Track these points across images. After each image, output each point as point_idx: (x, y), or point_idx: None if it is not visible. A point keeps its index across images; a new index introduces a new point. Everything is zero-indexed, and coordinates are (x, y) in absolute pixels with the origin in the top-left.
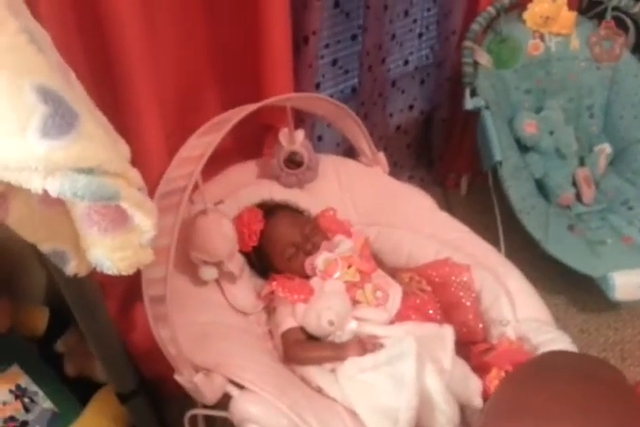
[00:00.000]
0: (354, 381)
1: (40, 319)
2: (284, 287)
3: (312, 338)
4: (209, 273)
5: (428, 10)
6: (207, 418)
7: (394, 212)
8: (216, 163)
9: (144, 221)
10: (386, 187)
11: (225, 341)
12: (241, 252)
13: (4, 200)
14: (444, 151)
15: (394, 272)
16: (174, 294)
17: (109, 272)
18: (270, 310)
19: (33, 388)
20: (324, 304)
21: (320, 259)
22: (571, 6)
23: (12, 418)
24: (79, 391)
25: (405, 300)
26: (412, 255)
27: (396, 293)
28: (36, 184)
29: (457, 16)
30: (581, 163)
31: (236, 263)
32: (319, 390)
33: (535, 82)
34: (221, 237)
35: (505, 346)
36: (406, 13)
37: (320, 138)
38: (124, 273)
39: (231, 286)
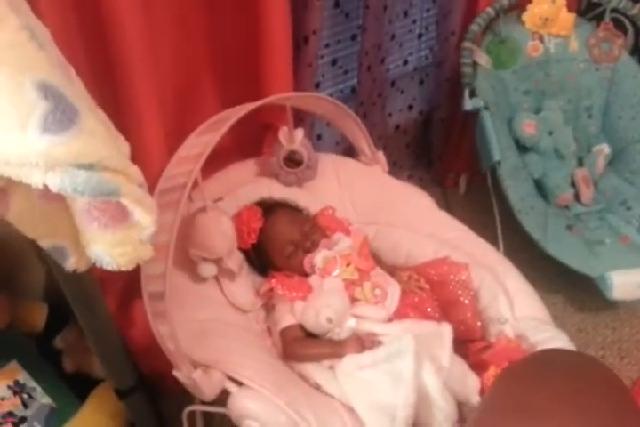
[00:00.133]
0: (352, 378)
1: (39, 315)
2: (283, 285)
3: (311, 335)
4: (208, 270)
5: (428, 10)
6: (205, 414)
7: (393, 211)
8: (215, 161)
9: (144, 218)
10: (385, 186)
11: (224, 338)
12: (240, 249)
13: (5, 195)
14: (443, 151)
15: (392, 270)
16: (173, 290)
17: (109, 268)
18: (269, 307)
19: (31, 384)
20: (323, 302)
21: (319, 257)
22: (570, 8)
23: (10, 414)
24: (77, 387)
25: (404, 298)
26: (410, 254)
27: (394, 291)
28: (36, 179)
29: (456, 17)
30: (580, 163)
31: (235, 260)
32: (317, 387)
33: (534, 83)
34: (220, 234)
35: (503, 344)
36: (406, 14)
37: (319, 137)
38: (123, 269)
39: (230, 284)
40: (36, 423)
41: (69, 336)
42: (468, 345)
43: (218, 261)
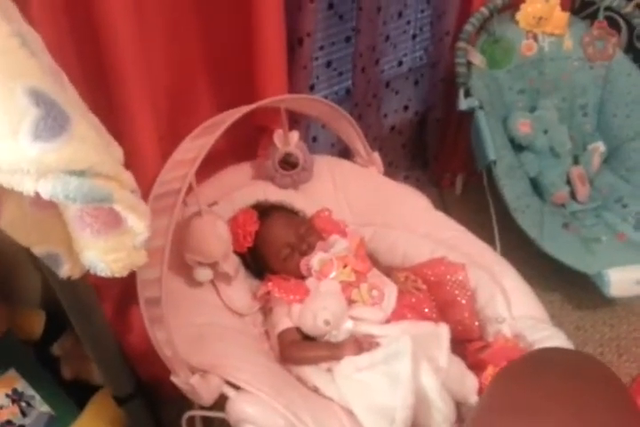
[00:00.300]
0: (350, 380)
1: (36, 323)
2: (280, 288)
3: (308, 338)
4: (204, 274)
5: (422, 11)
6: (205, 419)
7: (389, 212)
8: (210, 165)
9: (137, 224)
10: (381, 187)
11: (221, 342)
12: (236, 253)
13: None
14: (439, 151)
15: (389, 271)
16: (170, 295)
17: (103, 274)
18: (266, 310)
19: (30, 392)
20: (320, 304)
21: (315, 259)
22: (563, 6)
23: (8, 422)
24: (76, 395)
25: (401, 299)
26: (407, 255)
27: (391, 291)
28: (28, 187)
29: (450, 17)
30: (575, 161)
31: (231, 264)
32: (315, 390)
33: (529, 82)
34: (216, 238)
35: (501, 344)
36: (400, 15)
37: (315, 139)
38: (117, 275)
39: (226, 287)
40: None
41: (67, 343)
42: (466, 345)
43: (214, 266)
